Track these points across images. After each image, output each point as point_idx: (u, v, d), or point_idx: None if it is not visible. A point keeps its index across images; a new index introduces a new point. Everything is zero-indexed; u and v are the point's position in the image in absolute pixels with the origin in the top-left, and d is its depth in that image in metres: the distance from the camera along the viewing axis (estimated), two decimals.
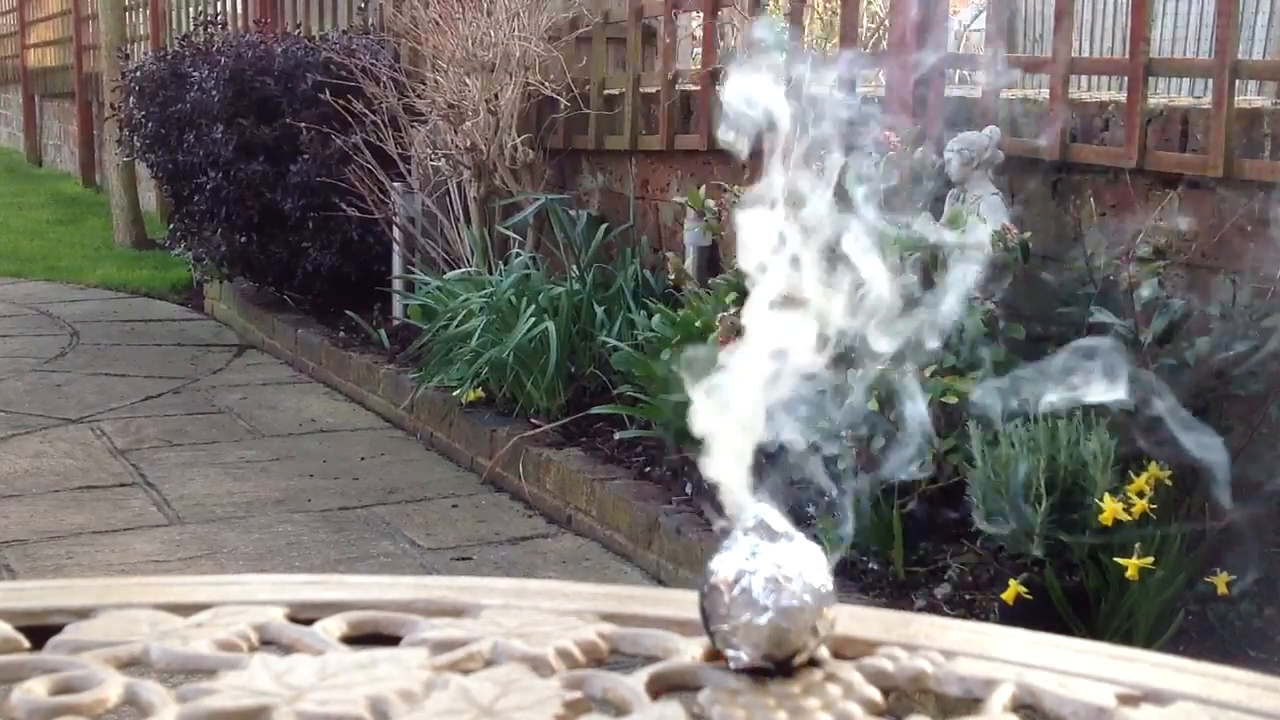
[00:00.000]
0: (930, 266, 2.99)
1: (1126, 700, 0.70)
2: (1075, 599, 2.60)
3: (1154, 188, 3.06)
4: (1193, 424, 0.83)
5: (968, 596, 2.81)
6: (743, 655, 0.71)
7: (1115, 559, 2.51)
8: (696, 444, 0.76)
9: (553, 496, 3.90)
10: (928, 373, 2.82)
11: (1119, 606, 2.58)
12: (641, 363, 3.82)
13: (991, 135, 3.20)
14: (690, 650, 0.74)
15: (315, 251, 5.65)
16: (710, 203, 3.93)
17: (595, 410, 4.05)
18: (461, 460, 4.35)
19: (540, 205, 4.89)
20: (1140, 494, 2.52)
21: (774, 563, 0.71)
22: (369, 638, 0.78)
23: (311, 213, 5.51)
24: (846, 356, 0.78)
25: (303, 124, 5.45)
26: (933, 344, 0.85)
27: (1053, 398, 0.80)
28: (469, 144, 4.96)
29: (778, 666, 0.70)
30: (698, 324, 3.57)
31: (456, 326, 4.49)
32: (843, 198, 0.77)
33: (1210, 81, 2.99)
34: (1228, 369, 2.70)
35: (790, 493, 0.77)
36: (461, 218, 5.14)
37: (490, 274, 4.72)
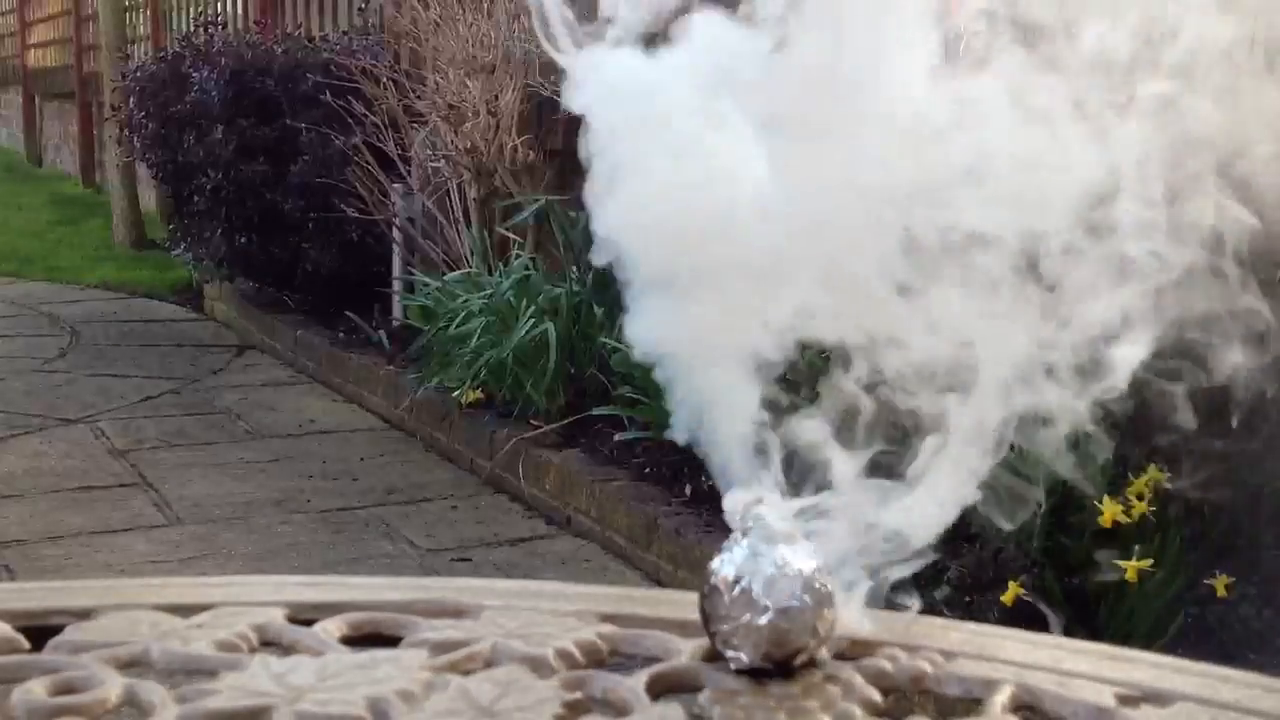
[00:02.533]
0: None
1: (1126, 701, 0.70)
2: (1074, 601, 2.60)
3: None
4: None
5: (967, 598, 2.81)
6: (743, 656, 0.71)
7: (1114, 561, 2.51)
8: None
9: (552, 498, 3.90)
10: None
11: (1118, 609, 2.58)
12: (641, 364, 3.82)
13: None
14: (690, 651, 0.74)
15: (315, 252, 5.64)
16: None
17: (595, 411, 4.05)
18: (461, 461, 4.35)
19: (540, 207, 4.89)
20: (1139, 496, 2.52)
21: (774, 563, 0.71)
22: (369, 638, 0.78)
23: (311, 213, 5.51)
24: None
25: (303, 125, 5.45)
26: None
27: None
28: (469, 145, 4.96)
29: (777, 667, 0.71)
30: None
31: (456, 327, 4.49)
32: None
33: None
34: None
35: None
36: (461, 219, 5.14)
37: (490, 275, 4.72)
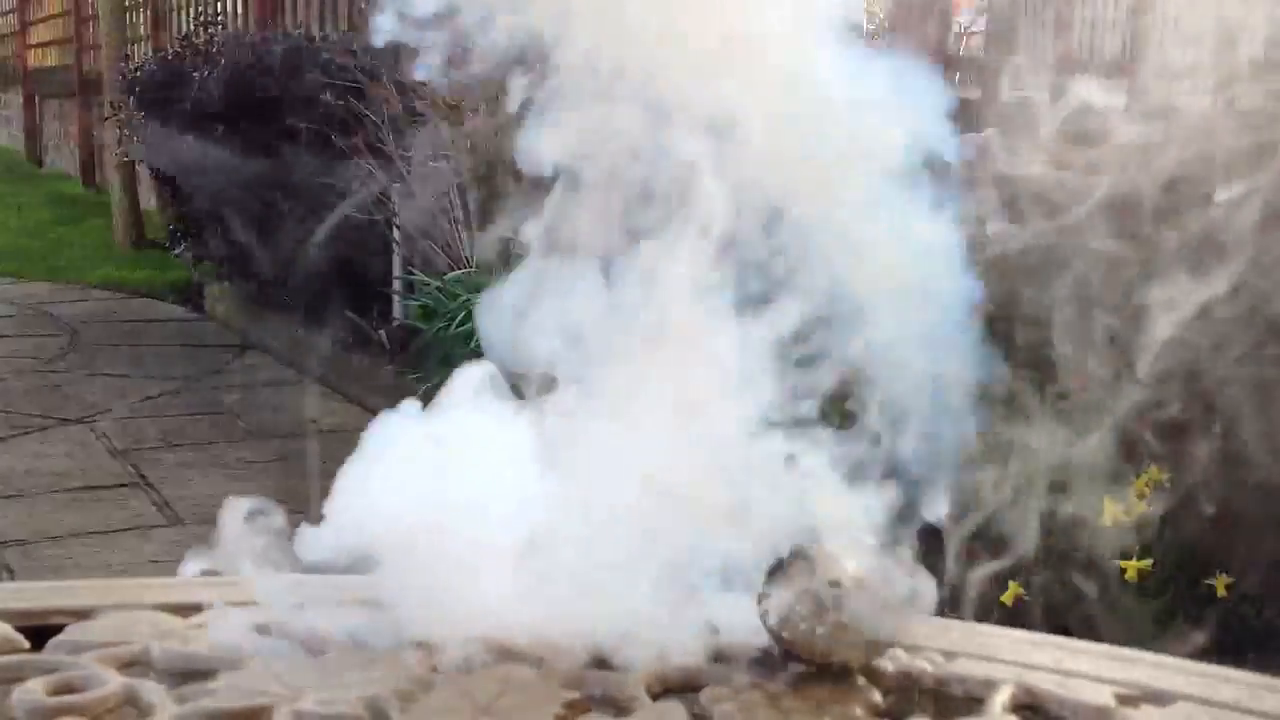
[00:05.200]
0: None
1: (1126, 700, 0.70)
2: (1074, 601, 2.60)
3: None
4: None
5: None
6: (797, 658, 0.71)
7: (1114, 560, 2.51)
8: None
9: None
10: None
11: (1118, 609, 2.58)
12: None
13: None
14: (690, 650, 0.74)
15: (315, 252, 5.64)
16: None
17: None
18: None
19: None
20: (1140, 496, 2.52)
21: (840, 573, 0.71)
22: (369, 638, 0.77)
23: (311, 213, 5.51)
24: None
25: (303, 125, 5.45)
26: None
27: None
28: (469, 144, 4.96)
29: (819, 668, 0.71)
30: None
31: (457, 327, 4.49)
32: None
33: None
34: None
35: None
36: (461, 219, 5.14)
37: (490, 275, 4.71)
